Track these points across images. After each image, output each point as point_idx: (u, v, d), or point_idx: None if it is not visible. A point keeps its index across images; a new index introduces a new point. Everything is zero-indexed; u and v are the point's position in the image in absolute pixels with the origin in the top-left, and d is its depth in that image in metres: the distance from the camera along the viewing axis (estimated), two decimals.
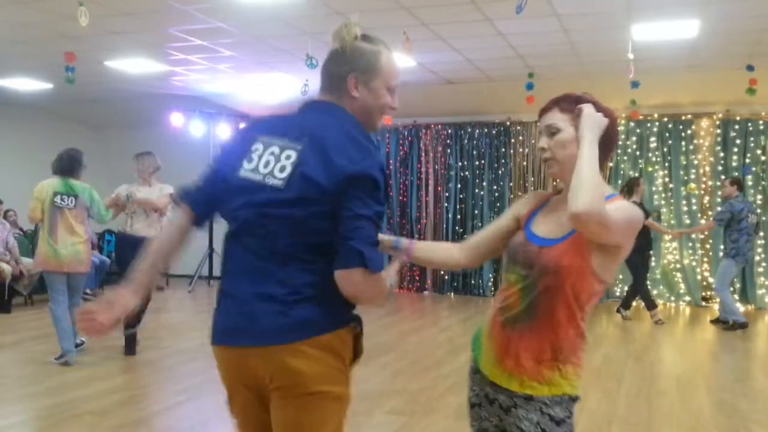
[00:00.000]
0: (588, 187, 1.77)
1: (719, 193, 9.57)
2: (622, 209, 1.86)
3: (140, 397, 5.22)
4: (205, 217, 2.08)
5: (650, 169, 9.86)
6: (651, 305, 8.48)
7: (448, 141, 10.78)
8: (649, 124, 9.85)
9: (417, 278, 10.96)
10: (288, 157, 1.89)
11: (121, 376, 5.77)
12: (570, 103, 1.98)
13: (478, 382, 2.08)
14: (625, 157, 9.93)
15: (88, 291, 10.22)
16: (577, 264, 1.88)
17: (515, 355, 1.95)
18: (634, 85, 7.64)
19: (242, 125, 2.16)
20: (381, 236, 2.06)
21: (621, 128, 9.88)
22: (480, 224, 10.53)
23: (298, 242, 1.86)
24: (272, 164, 1.90)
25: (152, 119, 11.00)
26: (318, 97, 2.05)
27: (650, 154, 9.89)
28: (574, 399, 1.96)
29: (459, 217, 10.68)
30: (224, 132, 10.73)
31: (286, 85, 9.24)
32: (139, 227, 6.30)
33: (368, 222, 1.82)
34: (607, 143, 1.95)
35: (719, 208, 8.57)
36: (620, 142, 9.88)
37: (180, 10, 6.35)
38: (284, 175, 1.87)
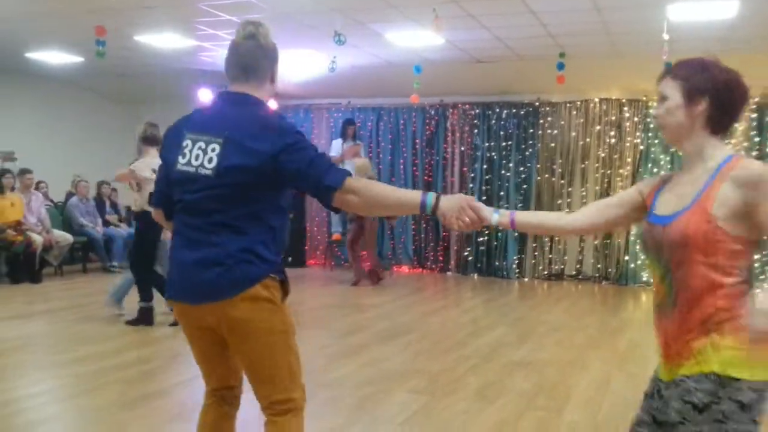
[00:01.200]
0: None
1: None
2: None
3: (164, 369, 5.30)
4: (172, 211, 2.46)
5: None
6: None
7: (475, 121, 10.68)
8: None
9: (440, 259, 10.93)
10: (213, 150, 2.28)
11: (147, 347, 5.85)
12: (685, 69, 1.96)
13: (654, 380, 2.07)
14: (657, 141, 9.75)
15: (115, 264, 10.39)
16: (703, 229, 1.83)
17: (666, 340, 1.94)
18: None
19: (174, 124, 2.51)
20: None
21: (653, 111, 9.70)
22: (506, 206, 10.45)
23: (230, 214, 2.28)
24: (201, 157, 2.30)
25: (181, 94, 11.02)
26: (236, 89, 2.38)
27: None
28: (733, 379, 1.79)
29: (484, 198, 10.58)
30: None
31: (314, 62, 9.20)
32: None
33: (312, 162, 2.23)
34: (728, 108, 1.92)
35: None
36: (651, 126, 9.72)
37: None
38: (212, 165, 2.28)
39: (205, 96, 10.58)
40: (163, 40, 8.54)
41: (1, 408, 4.18)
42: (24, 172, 9.49)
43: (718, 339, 1.82)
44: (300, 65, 9.57)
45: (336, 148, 10.35)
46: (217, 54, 9.42)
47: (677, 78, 1.95)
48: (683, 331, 1.88)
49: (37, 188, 9.97)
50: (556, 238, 10.22)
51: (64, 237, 9.67)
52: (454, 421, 4.12)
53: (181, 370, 5.35)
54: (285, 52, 9.03)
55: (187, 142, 2.34)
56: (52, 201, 10.65)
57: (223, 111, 2.38)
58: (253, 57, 2.38)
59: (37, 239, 9.07)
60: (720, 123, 1.92)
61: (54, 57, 9.79)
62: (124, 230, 10.61)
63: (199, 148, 2.31)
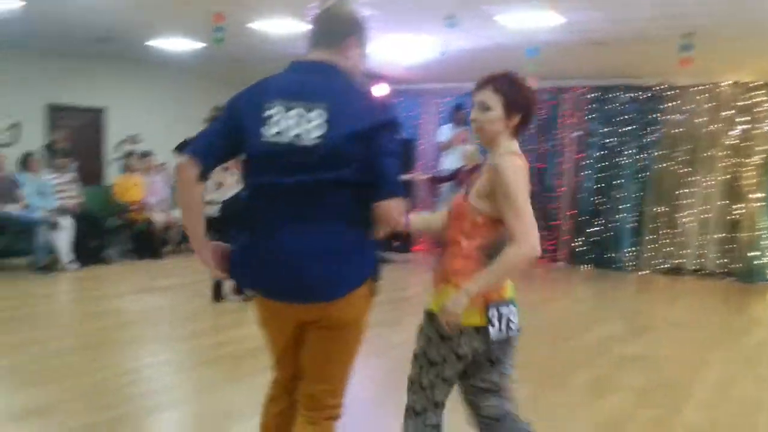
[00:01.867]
0: (501, 274, 2.27)
1: None
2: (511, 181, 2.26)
3: None
4: (209, 171, 2.18)
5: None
6: None
7: (592, 105, 10.26)
8: None
9: (550, 249, 10.61)
10: (317, 117, 2.05)
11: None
12: (504, 85, 2.36)
13: None
14: None
15: None
16: (459, 202, 2.42)
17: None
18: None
19: (243, 91, 2.25)
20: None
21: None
22: (624, 195, 10.01)
23: (340, 194, 2.07)
24: (299, 126, 2.04)
25: None
26: (313, 56, 2.20)
27: None
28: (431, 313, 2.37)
29: (599, 186, 10.19)
30: None
31: (424, 46, 9.12)
32: None
33: (393, 157, 2.08)
34: (530, 121, 2.40)
35: None
36: None
37: None
38: (319, 134, 2.04)
39: None
40: (277, 26, 8.70)
41: (120, 376, 4.41)
42: (146, 154, 9.99)
43: (445, 287, 2.35)
44: (409, 50, 9.52)
45: (444, 133, 10.24)
46: None
47: (498, 92, 2.35)
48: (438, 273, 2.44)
49: (159, 170, 10.46)
50: (677, 230, 9.70)
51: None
52: (562, 413, 3.96)
53: None
54: (395, 36, 9.00)
55: (273, 111, 2.08)
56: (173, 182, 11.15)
57: (311, 78, 2.15)
58: (329, 23, 2.23)
59: (158, 218, 9.52)
60: (521, 130, 2.40)
61: (173, 44, 10.19)
62: None
63: (297, 115, 2.05)
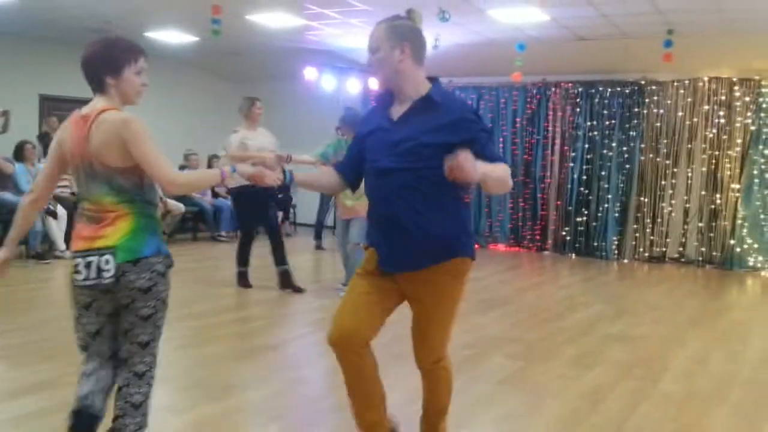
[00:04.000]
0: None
1: None
2: None
3: (274, 326, 5.64)
4: None
5: None
6: None
7: (578, 100, 10.54)
8: None
9: (538, 238, 10.91)
10: None
11: (255, 307, 6.23)
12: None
13: None
14: None
15: (222, 233, 10.97)
16: None
17: None
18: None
19: None
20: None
21: (765, 90, 9.33)
22: (606, 185, 10.31)
23: None
24: None
25: (288, 73, 11.43)
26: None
27: None
28: None
29: (585, 177, 10.49)
30: (354, 86, 10.98)
31: None
32: None
33: None
34: None
35: None
36: (765, 106, 9.32)
37: None
38: None
39: (311, 74, 10.89)
40: (273, 19, 8.90)
41: None
42: None
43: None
44: None
45: None
46: (323, 33, 9.72)
47: None
48: None
49: None
50: (659, 219, 10.02)
51: (178, 206, 10.27)
52: (551, 384, 4.24)
53: (288, 328, 5.70)
54: None
55: None
56: None
57: None
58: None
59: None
60: None
61: (171, 37, 10.35)
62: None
63: None
